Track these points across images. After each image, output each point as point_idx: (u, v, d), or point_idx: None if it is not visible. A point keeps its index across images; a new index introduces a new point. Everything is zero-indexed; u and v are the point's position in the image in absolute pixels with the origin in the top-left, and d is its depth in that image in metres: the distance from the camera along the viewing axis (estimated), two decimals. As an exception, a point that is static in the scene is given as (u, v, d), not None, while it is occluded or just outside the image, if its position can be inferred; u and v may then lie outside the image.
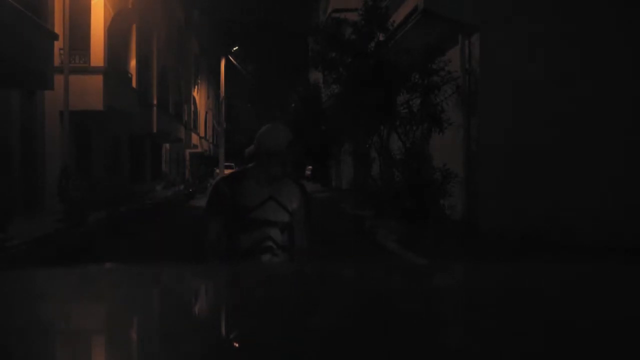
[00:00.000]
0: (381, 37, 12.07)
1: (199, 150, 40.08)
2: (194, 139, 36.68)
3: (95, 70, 14.57)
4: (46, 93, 13.08)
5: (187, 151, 36.95)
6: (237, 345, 0.93)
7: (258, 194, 2.58)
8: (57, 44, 12.53)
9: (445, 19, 10.00)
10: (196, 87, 40.01)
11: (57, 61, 12.71)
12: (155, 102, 22.94)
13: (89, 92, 14.06)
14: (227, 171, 43.09)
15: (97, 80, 14.43)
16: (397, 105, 11.21)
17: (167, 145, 29.60)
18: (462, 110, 10.27)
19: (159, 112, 23.29)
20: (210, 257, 2.72)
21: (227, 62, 43.21)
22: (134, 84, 18.89)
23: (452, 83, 10.30)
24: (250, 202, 2.57)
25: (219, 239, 2.65)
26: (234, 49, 44.80)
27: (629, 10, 9.21)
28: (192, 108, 37.13)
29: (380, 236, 10.43)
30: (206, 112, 45.58)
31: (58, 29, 12.69)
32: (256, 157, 2.60)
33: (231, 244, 2.62)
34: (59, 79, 12.12)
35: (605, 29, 9.18)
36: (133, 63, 19.61)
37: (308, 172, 39.25)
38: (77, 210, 10.99)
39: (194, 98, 38.36)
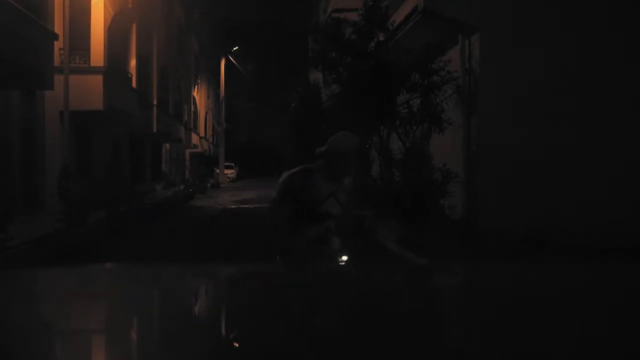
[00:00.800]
0: (381, 37, 12.06)
1: (199, 150, 40.05)
2: (194, 139, 36.66)
3: (95, 70, 14.56)
4: (46, 93, 13.08)
5: (187, 151, 36.92)
6: (237, 345, 0.93)
7: (324, 190, 2.91)
8: (57, 44, 12.53)
9: (445, 19, 10.00)
10: (196, 87, 39.99)
11: (57, 61, 12.70)
12: (155, 102, 22.93)
13: (89, 92, 14.06)
14: (227, 171, 43.25)
15: (97, 80, 14.42)
16: (397, 105, 11.21)
17: (167, 145, 29.59)
18: (462, 110, 10.27)
19: (159, 112, 23.28)
20: (282, 240, 2.99)
21: (227, 62, 43.25)
22: (134, 84, 18.89)
23: (452, 83, 10.30)
24: (318, 196, 2.89)
25: (289, 225, 2.92)
26: (234, 48, 44.85)
27: (629, 10, 9.22)
28: (192, 108, 37.11)
29: (380, 236, 10.43)
30: (206, 112, 45.57)
31: (58, 29, 12.68)
32: (324, 157, 2.95)
33: (297, 232, 2.92)
34: (59, 79, 12.12)
35: (605, 28, 9.18)
36: (133, 63, 19.60)
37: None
38: (77, 210, 10.99)
39: (194, 98, 38.34)
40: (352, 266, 2.16)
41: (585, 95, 9.14)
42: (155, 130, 22.64)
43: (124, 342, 0.97)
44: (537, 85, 9.23)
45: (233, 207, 19.77)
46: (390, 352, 0.87)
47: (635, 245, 7.31)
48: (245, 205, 20.32)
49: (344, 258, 3.10)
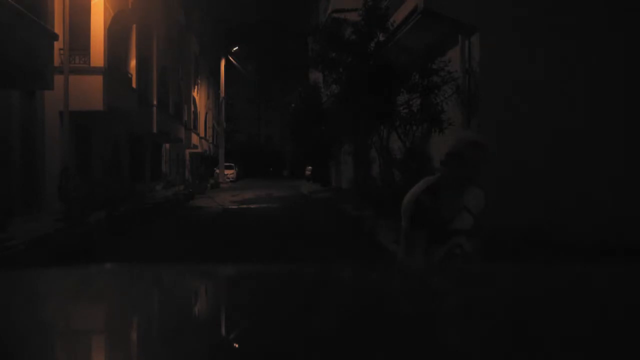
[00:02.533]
0: (381, 37, 12.07)
1: (199, 150, 40.06)
2: (194, 139, 36.67)
3: (95, 70, 14.56)
4: (46, 93, 13.07)
5: (187, 151, 36.94)
6: (236, 345, 0.93)
7: (455, 205, 2.56)
8: (57, 44, 12.53)
9: (445, 19, 10.01)
10: (196, 87, 40.00)
11: (57, 61, 12.70)
12: (155, 102, 22.94)
13: (89, 92, 14.06)
14: (227, 171, 43.28)
15: (97, 80, 14.42)
16: (397, 105, 11.22)
17: (167, 145, 29.59)
18: (462, 110, 10.27)
19: (159, 112, 23.29)
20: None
21: (227, 62, 43.25)
22: (134, 84, 18.89)
23: (452, 83, 10.31)
24: (449, 214, 2.55)
25: (423, 253, 2.55)
26: (234, 49, 44.83)
27: (629, 10, 9.22)
28: (192, 108, 37.12)
29: (381, 237, 10.43)
30: (206, 112, 45.57)
31: (58, 29, 12.68)
32: (452, 163, 2.53)
33: (426, 255, 2.55)
34: (59, 79, 12.11)
35: (605, 28, 9.18)
36: (133, 63, 19.60)
37: (308, 172, 39.29)
38: (77, 210, 11.00)
39: (194, 98, 38.35)
40: (352, 267, 2.16)
41: (585, 95, 9.14)
42: (155, 130, 22.65)
43: (124, 343, 0.97)
44: (537, 85, 9.23)
45: (233, 207, 19.78)
46: (390, 352, 0.87)
47: (635, 245, 7.31)
48: (246, 206, 20.32)
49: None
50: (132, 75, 19.05)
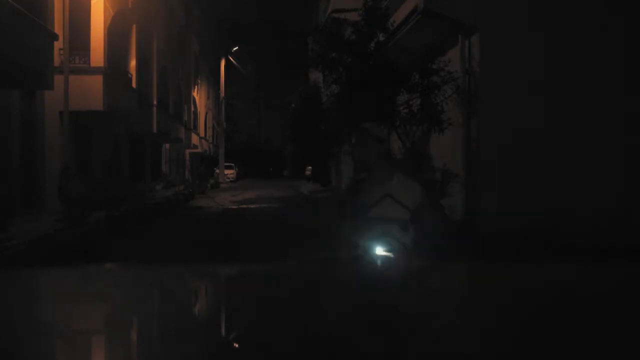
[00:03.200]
0: (381, 37, 12.06)
1: (199, 150, 40.05)
2: (194, 139, 36.66)
3: (95, 70, 14.56)
4: (46, 93, 13.07)
5: (187, 151, 36.92)
6: (236, 345, 0.93)
7: (375, 191, 2.68)
8: (57, 44, 12.52)
9: (445, 19, 10.00)
10: (196, 87, 39.99)
11: (57, 61, 12.69)
12: (155, 102, 22.92)
13: (89, 92, 14.05)
14: (227, 171, 43.27)
15: (97, 80, 14.42)
16: (397, 105, 11.21)
17: (167, 145, 29.58)
18: (462, 110, 10.26)
19: (159, 112, 23.28)
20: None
21: (227, 62, 43.26)
22: (134, 84, 18.88)
23: (452, 83, 10.30)
24: (369, 199, 2.68)
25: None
26: (234, 48, 44.85)
27: (629, 10, 9.22)
28: (192, 108, 37.11)
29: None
30: (206, 112, 45.57)
31: (58, 29, 12.68)
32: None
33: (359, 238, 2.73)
34: (59, 79, 12.11)
35: (605, 28, 9.18)
36: (133, 63, 19.59)
37: (308, 172, 39.27)
38: (77, 210, 10.99)
39: (194, 98, 38.34)
40: (352, 266, 2.16)
41: (586, 95, 9.14)
42: (155, 130, 22.64)
43: (123, 342, 0.97)
44: (537, 85, 9.23)
45: (234, 207, 19.78)
46: (389, 352, 0.87)
47: (635, 245, 7.31)
48: (246, 206, 20.32)
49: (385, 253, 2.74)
50: (132, 75, 19.04)
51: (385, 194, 2.66)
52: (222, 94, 43.72)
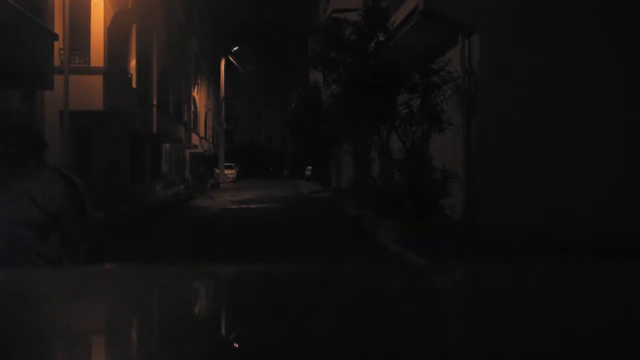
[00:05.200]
0: (381, 37, 12.07)
1: (199, 150, 40.05)
2: (194, 139, 36.67)
3: (95, 70, 14.55)
4: (46, 93, 13.06)
5: (187, 151, 36.91)
6: (236, 346, 0.93)
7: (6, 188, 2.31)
8: (57, 44, 12.52)
9: (445, 19, 10.00)
10: (196, 87, 40.00)
11: (57, 61, 12.69)
12: (155, 102, 22.92)
13: (89, 92, 14.04)
14: (227, 171, 43.29)
15: (97, 80, 14.41)
16: (397, 105, 11.22)
17: (167, 145, 29.58)
18: (462, 110, 10.27)
19: (159, 112, 23.28)
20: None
21: (227, 62, 43.27)
22: (134, 84, 18.88)
23: (452, 83, 10.30)
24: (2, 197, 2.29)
25: None
26: (234, 49, 44.85)
27: (629, 10, 9.22)
28: (192, 108, 37.12)
29: (381, 236, 10.43)
30: (206, 112, 45.57)
31: (58, 29, 12.67)
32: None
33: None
34: (59, 79, 12.10)
35: (606, 28, 9.18)
36: (133, 63, 19.59)
37: (308, 172, 39.25)
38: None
39: (194, 98, 38.35)
40: (352, 266, 2.16)
41: (586, 95, 9.14)
42: (155, 130, 22.64)
43: (123, 343, 0.97)
44: (537, 85, 9.23)
45: (234, 207, 19.78)
46: (389, 352, 0.87)
47: (635, 245, 7.31)
48: (246, 206, 20.32)
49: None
50: (132, 75, 19.04)
51: (21, 191, 2.28)
52: (222, 94, 43.72)
